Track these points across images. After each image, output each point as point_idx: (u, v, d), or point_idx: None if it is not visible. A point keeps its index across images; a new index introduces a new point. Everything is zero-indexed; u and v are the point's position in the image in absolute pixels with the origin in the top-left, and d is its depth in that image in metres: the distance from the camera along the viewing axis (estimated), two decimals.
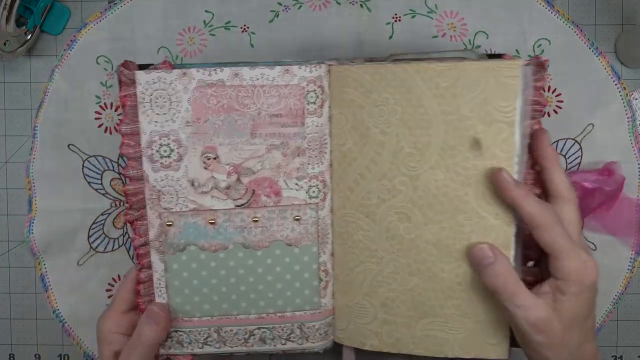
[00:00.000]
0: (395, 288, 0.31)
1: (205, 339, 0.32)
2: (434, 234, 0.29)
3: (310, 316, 0.32)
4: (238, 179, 0.30)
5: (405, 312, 0.31)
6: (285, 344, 0.32)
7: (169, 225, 0.30)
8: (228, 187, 0.30)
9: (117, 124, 0.36)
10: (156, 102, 0.29)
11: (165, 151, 0.30)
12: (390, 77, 0.29)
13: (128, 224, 0.34)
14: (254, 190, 0.30)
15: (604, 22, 0.40)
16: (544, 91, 0.34)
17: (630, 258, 0.40)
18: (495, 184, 0.28)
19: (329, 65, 0.31)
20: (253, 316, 0.32)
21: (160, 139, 0.30)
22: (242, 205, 0.30)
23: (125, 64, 0.30)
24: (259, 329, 0.32)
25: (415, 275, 0.30)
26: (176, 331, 0.32)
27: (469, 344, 0.30)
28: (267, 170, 0.30)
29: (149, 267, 0.31)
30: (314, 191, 0.31)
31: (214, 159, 0.30)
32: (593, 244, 0.40)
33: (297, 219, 0.31)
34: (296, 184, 0.30)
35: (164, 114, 0.30)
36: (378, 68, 0.29)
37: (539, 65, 0.29)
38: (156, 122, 0.30)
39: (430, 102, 0.28)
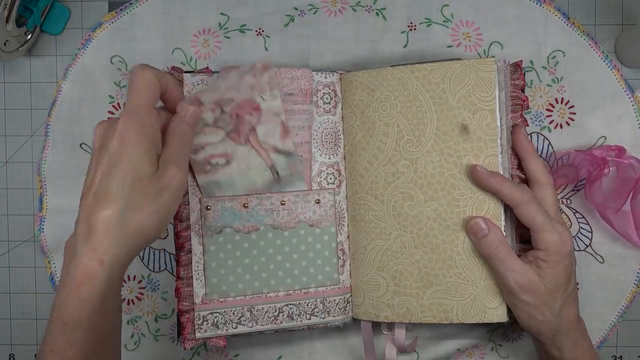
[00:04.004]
0: (403, 261, 0.58)
1: (239, 319, 0.59)
2: (433, 210, 0.57)
3: (330, 291, 0.60)
4: (222, 110, 0.57)
5: (413, 283, 0.58)
6: (310, 319, 0.60)
7: (208, 209, 0.58)
8: (216, 120, 0.57)
9: None
10: None
11: None
12: (390, 77, 0.58)
13: None
14: (237, 114, 0.57)
15: (604, 22, 0.68)
16: (523, 91, 0.60)
17: (638, 272, 0.67)
18: (473, 178, 0.56)
19: (340, 73, 0.61)
20: (282, 293, 0.59)
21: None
22: (231, 130, 0.57)
23: (174, 68, 0.58)
24: (287, 305, 0.59)
25: (420, 248, 0.58)
26: (212, 313, 0.58)
27: (471, 309, 0.57)
28: (244, 94, 0.57)
29: (189, 251, 0.58)
30: (330, 178, 0.61)
31: (199, 105, 0.55)
32: (601, 256, 0.68)
33: (318, 202, 0.60)
34: (270, 94, 0.57)
35: None
36: (380, 71, 0.58)
37: (515, 66, 0.59)
38: None
39: (424, 96, 0.57)
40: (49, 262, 0.67)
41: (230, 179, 0.59)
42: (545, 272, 0.55)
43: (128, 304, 0.68)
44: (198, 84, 0.59)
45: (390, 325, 0.63)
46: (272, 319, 0.60)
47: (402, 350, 0.63)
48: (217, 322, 0.59)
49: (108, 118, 0.54)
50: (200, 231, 0.59)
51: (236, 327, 0.59)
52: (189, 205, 0.59)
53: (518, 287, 0.54)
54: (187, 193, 0.59)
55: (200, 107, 0.55)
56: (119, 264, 0.47)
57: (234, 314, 0.59)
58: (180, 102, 0.52)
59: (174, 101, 0.52)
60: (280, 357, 0.69)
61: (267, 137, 0.59)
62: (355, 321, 0.63)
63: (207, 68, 0.61)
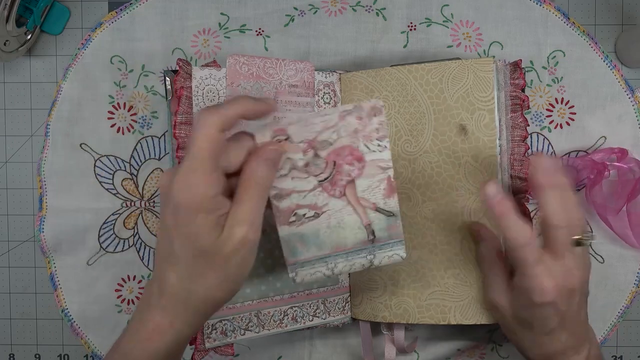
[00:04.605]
0: (401, 262, 0.61)
1: (246, 325, 0.58)
2: (431, 210, 0.57)
3: (331, 291, 0.60)
4: (315, 154, 0.48)
5: (410, 284, 0.58)
6: (312, 319, 0.60)
7: None
8: (307, 165, 0.48)
9: (173, 114, 0.58)
10: (207, 95, 0.58)
11: None
12: (389, 77, 0.58)
13: None
14: (334, 162, 0.49)
15: (604, 22, 0.69)
16: (523, 90, 0.59)
17: (638, 272, 0.67)
18: (482, 198, 0.51)
19: (339, 73, 0.61)
20: (286, 296, 0.59)
21: None
22: (325, 179, 0.49)
23: (181, 60, 0.57)
24: (291, 308, 0.59)
25: (418, 249, 0.58)
26: (221, 321, 0.57)
27: (468, 311, 0.57)
28: (344, 138, 0.48)
29: None
30: None
31: (286, 139, 0.47)
32: (601, 256, 0.68)
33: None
34: (378, 145, 0.48)
35: None
36: (378, 71, 0.58)
37: (515, 65, 0.58)
38: None
39: (422, 96, 0.58)
40: (49, 262, 0.67)
41: (317, 234, 0.51)
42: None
43: (128, 304, 0.68)
44: (206, 78, 0.59)
45: (390, 325, 0.63)
46: (277, 322, 0.60)
47: (401, 351, 0.64)
48: (225, 330, 0.59)
49: (177, 157, 0.53)
50: None
51: (244, 334, 0.59)
52: None
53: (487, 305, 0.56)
54: None
55: (285, 143, 0.47)
56: (189, 325, 0.46)
57: (242, 320, 0.59)
58: (262, 132, 0.46)
59: (258, 116, 0.47)
60: (280, 357, 0.69)
61: (367, 193, 0.50)
62: (355, 321, 0.64)
63: (214, 61, 0.61)
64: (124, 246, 0.68)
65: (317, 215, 0.50)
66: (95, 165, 0.68)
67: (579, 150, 0.68)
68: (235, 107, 0.44)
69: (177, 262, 0.44)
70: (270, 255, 0.60)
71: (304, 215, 0.50)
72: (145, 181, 0.68)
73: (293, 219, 0.50)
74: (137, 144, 0.68)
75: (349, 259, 0.52)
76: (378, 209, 0.51)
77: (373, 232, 0.51)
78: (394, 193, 0.51)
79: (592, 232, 0.53)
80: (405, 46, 0.68)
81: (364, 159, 0.49)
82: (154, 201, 0.68)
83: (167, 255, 0.45)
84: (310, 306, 0.61)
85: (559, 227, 0.50)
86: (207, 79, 0.59)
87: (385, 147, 0.49)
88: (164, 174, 0.46)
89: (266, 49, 0.68)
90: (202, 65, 0.60)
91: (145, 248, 0.68)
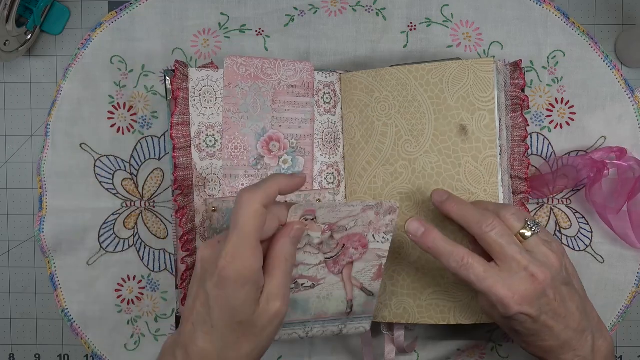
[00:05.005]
0: (401, 262, 0.58)
1: None
2: (431, 211, 0.57)
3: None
4: (331, 236, 0.52)
5: (410, 284, 0.59)
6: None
7: (213, 210, 0.58)
8: (321, 243, 0.52)
9: (171, 115, 0.59)
10: (204, 97, 0.59)
11: (210, 141, 0.59)
12: (389, 77, 0.58)
13: (174, 214, 0.58)
14: (344, 244, 0.53)
15: (604, 22, 0.69)
16: (523, 90, 0.60)
17: (638, 272, 0.67)
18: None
19: (340, 73, 0.62)
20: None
21: (206, 130, 0.59)
22: (330, 257, 0.53)
23: (178, 62, 0.58)
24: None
25: (417, 249, 0.58)
26: None
27: (468, 310, 0.57)
28: (359, 227, 0.52)
29: (194, 253, 0.58)
30: (330, 178, 0.61)
31: (312, 220, 0.51)
32: (601, 256, 0.68)
33: (319, 202, 0.60)
34: (383, 237, 0.53)
35: (210, 107, 0.59)
36: (378, 71, 0.59)
37: (514, 65, 0.59)
38: (204, 114, 0.59)
39: (422, 96, 0.58)
40: (49, 262, 0.67)
41: (307, 301, 0.56)
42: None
43: (128, 303, 0.68)
44: (203, 79, 0.59)
45: (390, 325, 0.63)
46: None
47: (401, 351, 0.64)
48: None
49: (216, 237, 0.50)
50: (205, 234, 0.58)
51: None
52: (193, 206, 0.59)
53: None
54: (193, 193, 0.59)
55: (311, 223, 0.51)
56: None
57: None
58: (295, 210, 0.50)
59: (293, 190, 0.51)
60: (280, 357, 0.70)
61: (359, 274, 0.56)
62: None
63: (212, 63, 0.61)
64: (124, 246, 0.68)
65: (313, 286, 0.55)
66: (95, 165, 0.69)
67: (579, 150, 0.68)
68: (274, 185, 0.47)
69: (212, 331, 0.46)
70: None
71: (302, 284, 0.54)
72: (145, 181, 0.68)
73: (293, 286, 0.54)
74: (137, 144, 0.68)
75: (325, 326, 0.57)
76: (363, 289, 0.56)
77: (352, 307, 0.57)
78: (380, 278, 0.56)
79: (535, 221, 0.52)
80: (405, 46, 0.69)
81: (368, 247, 0.54)
82: (154, 201, 0.68)
83: (202, 322, 0.47)
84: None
85: (484, 233, 0.51)
86: (204, 80, 0.60)
87: (388, 240, 0.54)
88: (205, 246, 0.48)
89: (266, 49, 0.68)
90: (199, 67, 0.61)
91: (145, 248, 0.68)
